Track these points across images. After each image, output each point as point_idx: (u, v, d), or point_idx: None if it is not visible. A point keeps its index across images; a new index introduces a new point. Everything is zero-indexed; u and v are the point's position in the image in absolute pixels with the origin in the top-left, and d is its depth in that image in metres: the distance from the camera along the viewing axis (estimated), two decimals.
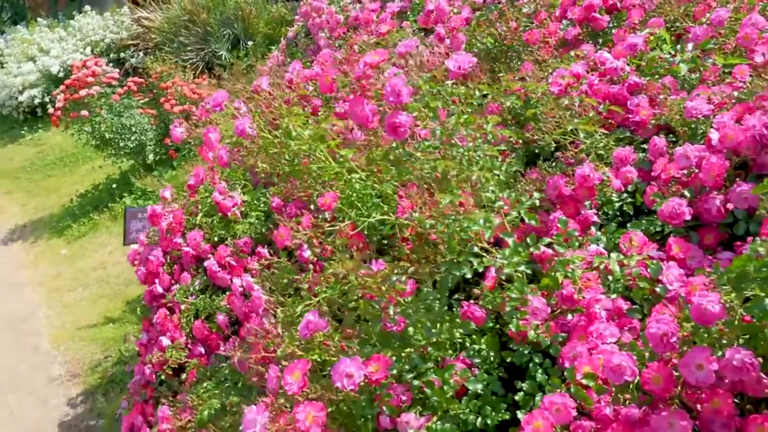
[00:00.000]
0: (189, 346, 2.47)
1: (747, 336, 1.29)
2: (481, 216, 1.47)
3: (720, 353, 1.24)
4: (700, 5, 2.37)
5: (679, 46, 2.17)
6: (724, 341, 1.29)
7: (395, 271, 1.49)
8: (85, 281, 4.20)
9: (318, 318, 1.47)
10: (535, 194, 1.88)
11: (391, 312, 1.55)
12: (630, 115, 2.04)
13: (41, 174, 6.73)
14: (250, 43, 7.61)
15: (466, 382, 1.58)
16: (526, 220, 1.67)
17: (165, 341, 2.44)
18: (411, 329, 1.62)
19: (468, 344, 1.75)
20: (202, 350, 2.42)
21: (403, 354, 1.56)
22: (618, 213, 1.86)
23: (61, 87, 5.06)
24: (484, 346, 1.74)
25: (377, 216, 1.85)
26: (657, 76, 2.12)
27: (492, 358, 1.71)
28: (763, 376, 1.27)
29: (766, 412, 1.29)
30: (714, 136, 1.69)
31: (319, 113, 2.05)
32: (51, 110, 4.94)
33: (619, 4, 2.76)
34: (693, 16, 2.40)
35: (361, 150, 1.97)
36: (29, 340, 3.64)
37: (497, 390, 1.63)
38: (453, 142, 1.60)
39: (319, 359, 1.52)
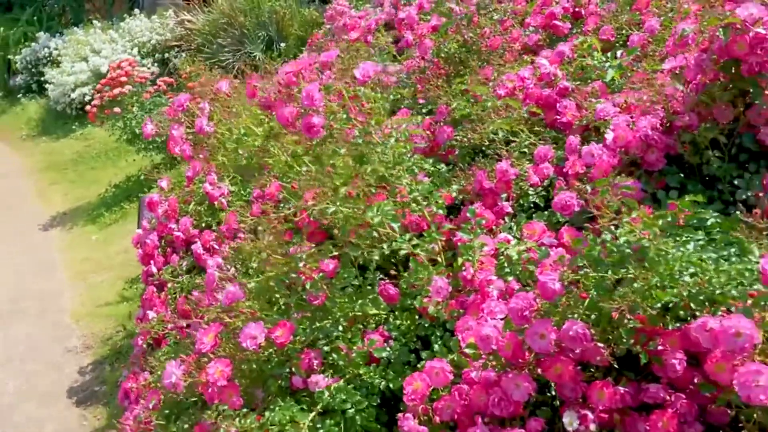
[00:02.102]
0: (175, 319, 2.74)
1: (596, 312, 1.48)
2: (377, 205, 1.68)
3: (558, 325, 1.43)
4: (645, 15, 2.52)
5: (609, 53, 2.33)
6: (575, 315, 1.48)
7: (299, 251, 1.70)
8: (109, 264, 4.55)
9: (237, 289, 1.70)
10: (454, 186, 2.09)
11: (308, 287, 1.78)
12: (558, 116, 2.21)
13: (86, 166, 7.17)
14: (283, 44, 7.91)
15: (373, 351, 1.80)
16: (434, 209, 1.88)
17: (151, 315, 2.72)
18: (329, 303, 1.84)
19: (391, 319, 1.97)
20: (184, 323, 2.68)
21: (317, 323, 1.78)
22: (532, 205, 2.04)
23: (98, 86, 5.45)
24: (406, 322, 1.96)
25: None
26: (589, 81, 2.29)
27: (412, 332, 1.93)
28: (601, 346, 1.44)
29: (608, 379, 1.47)
30: (609, 136, 1.86)
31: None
32: (88, 107, 5.36)
33: (583, 12, 2.93)
34: (642, 23, 2.54)
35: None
36: (53, 315, 4.00)
37: (407, 358, 1.84)
38: (369, 140, 1.82)
39: (242, 325, 1.75)
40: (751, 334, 1.18)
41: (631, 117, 1.92)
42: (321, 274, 1.78)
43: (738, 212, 1.40)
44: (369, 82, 1.77)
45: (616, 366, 1.48)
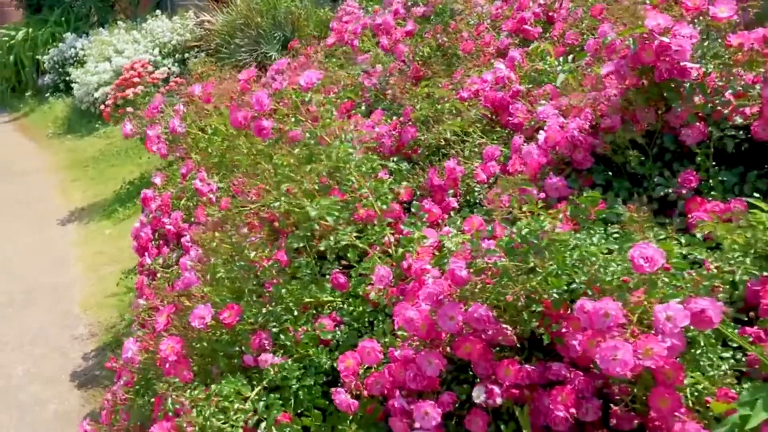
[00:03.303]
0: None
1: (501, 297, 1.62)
2: (316, 200, 1.84)
3: (466, 308, 1.57)
4: (603, 20, 2.64)
5: (561, 58, 2.46)
6: (487, 300, 1.62)
7: (243, 240, 1.87)
8: (119, 258, 4.79)
9: (192, 275, 1.88)
10: (404, 183, 2.24)
11: (260, 274, 1.95)
12: (510, 118, 2.35)
13: (106, 164, 7.45)
14: (298, 45, 8.09)
15: (320, 333, 1.96)
16: (379, 204, 2.03)
17: (141, 302, 2.91)
18: (283, 290, 2.01)
19: (346, 306, 2.13)
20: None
21: (269, 308, 1.96)
22: (477, 200, 2.18)
23: (112, 86, 5.72)
24: (359, 308, 2.12)
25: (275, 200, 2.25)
26: (543, 84, 2.42)
27: (363, 317, 2.09)
28: (507, 327, 1.59)
29: (516, 358, 1.61)
30: (541, 136, 1.99)
31: None
32: (102, 107, 5.63)
33: (555, 16, 3.05)
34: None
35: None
36: (64, 305, 4.25)
37: (355, 341, 2.00)
38: (319, 141, 1.99)
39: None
40: (616, 314, 1.32)
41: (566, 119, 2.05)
42: (272, 263, 1.95)
43: (619, 207, 1.53)
44: (314, 87, 1.93)
45: (527, 346, 1.64)
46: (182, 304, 1.90)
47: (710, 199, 1.84)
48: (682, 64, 1.73)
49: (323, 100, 1.93)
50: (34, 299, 4.38)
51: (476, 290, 1.58)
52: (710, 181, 1.90)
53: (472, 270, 1.57)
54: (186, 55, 9.16)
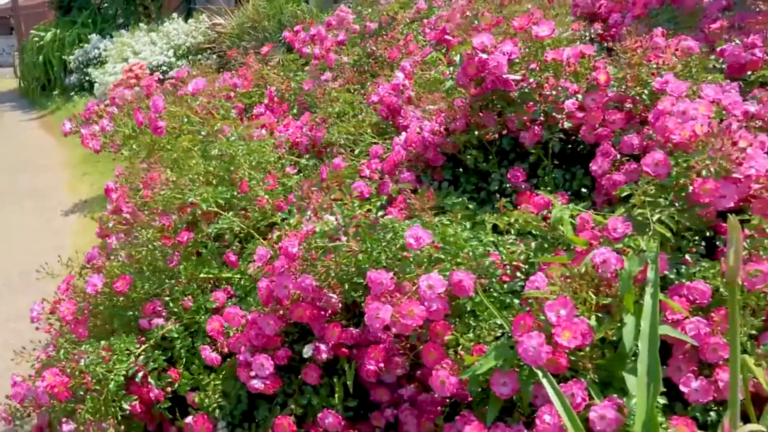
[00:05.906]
0: None
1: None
2: (196, 189, 2.16)
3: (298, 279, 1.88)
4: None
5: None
6: (329, 274, 1.92)
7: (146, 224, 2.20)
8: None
9: (95, 252, 2.22)
10: (294, 177, 2.55)
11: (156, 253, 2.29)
12: (402, 120, 2.64)
13: (117, 159, 7.90)
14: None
15: (207, 304, 2.29)
16: (263, 195, 2.35)
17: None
18: (181, 266, 2.34)
19: (242, 281, 2.45)
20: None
21: (166, 281, 2.29)
22: (359, 193, 2.48)
23: (111, 87, 6.15)
24: (251, 283, 2.44)
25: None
26: (434, 90, 2.71)
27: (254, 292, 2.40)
28: (333, 296, 1.88)
29: (343, 322, 1.91)
30: (402, 137, 2.29)
31: None
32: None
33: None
34: None
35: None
36: (53, 287, 4.64)
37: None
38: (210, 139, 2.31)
39: None
40: (387, 283, 1.61)
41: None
42: (174, 243, 2.28)
43: (414, 201, 1.82)
44: (201, 92, 2.26)
45: (357, 313, 1.94)
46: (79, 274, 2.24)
47: (539, 193, 2.11)
48: (504, 76, 2.01)
49: (216, 103, 2.26)
50: (29, 281, 4.80)
51: (308, 265, 1.89)
52: (545, 177, 2.17)
53: (303, 248, 1.87)
54: (199, 56, 9.59)
